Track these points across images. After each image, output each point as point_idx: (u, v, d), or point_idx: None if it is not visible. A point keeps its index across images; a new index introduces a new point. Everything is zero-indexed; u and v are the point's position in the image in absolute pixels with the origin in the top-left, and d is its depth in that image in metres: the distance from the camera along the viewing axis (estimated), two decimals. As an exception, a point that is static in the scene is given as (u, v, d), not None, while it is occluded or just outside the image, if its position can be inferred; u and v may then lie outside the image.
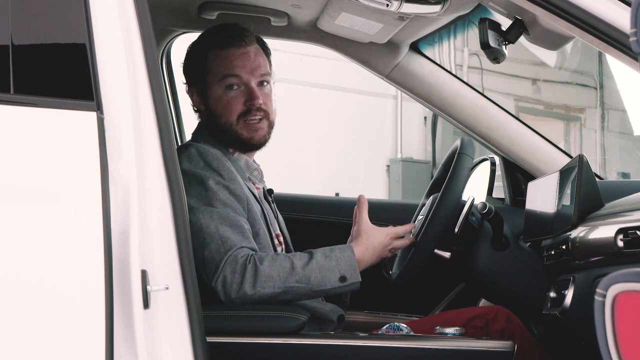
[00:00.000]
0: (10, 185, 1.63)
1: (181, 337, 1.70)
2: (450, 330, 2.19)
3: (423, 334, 2.28)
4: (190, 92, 2.46)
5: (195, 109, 2.46)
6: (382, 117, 10.65)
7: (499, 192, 3.01)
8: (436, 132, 10.63)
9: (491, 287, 2.42)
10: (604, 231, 1.95)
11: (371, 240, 2.29)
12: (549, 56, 10.97)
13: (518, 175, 2.93)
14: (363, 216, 2.35)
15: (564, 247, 2.14)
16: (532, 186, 2.50)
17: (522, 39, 2.31)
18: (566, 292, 2.12)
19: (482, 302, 2.74)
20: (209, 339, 1.81)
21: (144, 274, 1.64)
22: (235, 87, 2.38)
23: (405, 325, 2.30)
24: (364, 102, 10.28)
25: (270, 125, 2.42)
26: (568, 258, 2.12)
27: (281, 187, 3.02)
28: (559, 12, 1.84)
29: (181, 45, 2.74)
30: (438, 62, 2.94)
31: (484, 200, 2.66)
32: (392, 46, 2.83)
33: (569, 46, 10.15)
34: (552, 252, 2.23)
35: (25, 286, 1.60)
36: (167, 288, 1.67)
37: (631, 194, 2.13)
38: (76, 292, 1.62)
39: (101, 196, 1.64)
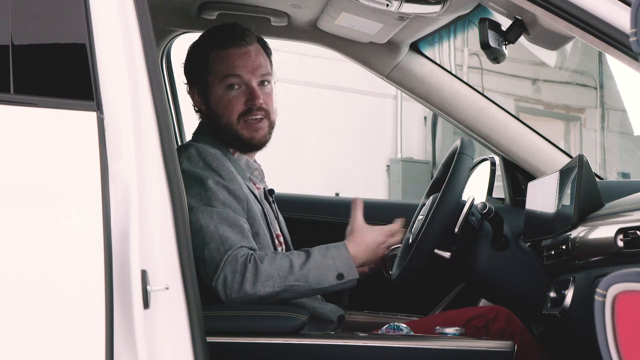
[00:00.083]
0: (10, 185, 1.63)
1: (181, 337, 1.70)
2: (450, 330, 2.19)
3: (423, 334, 2.28)
4: (191, 92, 2.46)
5: (196, 109, 2.46)
6: (382, 117, 10.65)
7: (499, 192, 3.01)
8: (436, 132, 10.63)
9: (491, 287, 2.42)
10: (604, 231, 1.95)
11: (364, 238, 2.31)
12: (549, 56, 10.97)
13: (518, 175, 2.93)
14: (357, 216, 2.37)
15: (564, 247, 2.14)
16: (532, 186, 2.50)
17: (522, 39, 2.31)
18: (566, 292, 2.12)
19: (482, 302, 2.74)
20: (209, 339, 1.81)
21: (144, 274, 1.64)
22: (236, 86, 2.38)
23: (405, 325, 2.30)
24: (364, 102, 10.28)
25: (271, 125, 2.42)
26: (568, 258, 2.12)
27: (281, 187, 3.02)
28: (559, 12, 1.84)
29: (181, 45, 2.74)
30: (438, 62, 2.93)
31: (484, 200, 2.66)
32: (392, 46, 2.83)
33: (569, 46, 10.15)
34: (552, 252, 2.23)
35: (25, 286, 1.60)
36: (167, 288, 1.67)
37: (631, 194, 2.13)
38: (76, 292, 1.62)
39: (101, 196, 1.64)
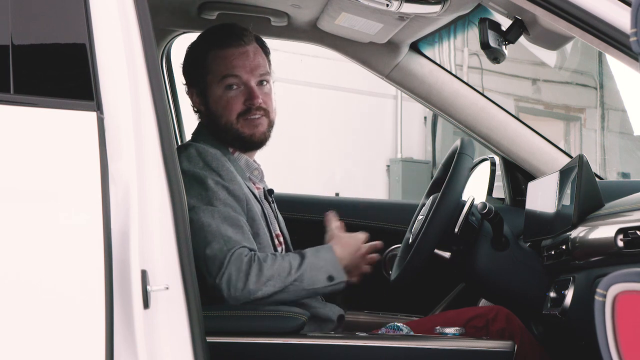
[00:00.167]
0: (10, 185, 1.63)
1: (181, 337, 1.70)
2: (450, 330, 2.19)
3: (423, 334, 2.28)
4: (190, 92, 2.46)
5: (195, 109, 2.46)
6: (382, 117, 10.65)
7: (499, 192, 3.01)
8: (436, 132, 10.63)
9: (491, 287, 2.42)
10: (604, 231, 1.95)
11: (345, 241, 2.33)
12: (549, 56, 10.97)
13: (518, 175, 2.93)
14: (333, 225, 2.41)
15: (564, 247, 2.14)
16: (532, 186, 2.50)
17: (522, 39, 2.31)
18: (566, 292, 2.12)
19: (482, 302, 2.74)
20: (209, 339, 1.81)
21: (144, 274, 1.64)
22: (234, 87, 2.38)
23: (405, 325, 2.30)
24: (364, 102, 10.28)
25: (270, 124, 2.42)
26: (568, 258, 2.12)
27: (281, 187, 3.02)
28: (559, 12, 1.84)
29: (181, 45, 2.74)
30: (438, 62, 2.93)
31: (484, 200, 2.66)
32: (392, 46, 2.82)
33: (569, 46, 10.15)
34: (552, 252, 2.23)
35: (25, 286, 1.60)
36: (167, 288, 1.67)
37: (631, 194, 2.13)
38: (76, 292, 1.62)
39: (101, 196, 1.64)
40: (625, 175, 11.51)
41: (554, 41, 2.28)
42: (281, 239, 2.45)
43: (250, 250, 2.20)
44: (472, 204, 2.34)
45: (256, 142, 2.41)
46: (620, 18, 1.77)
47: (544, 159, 2.84)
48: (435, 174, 2.63)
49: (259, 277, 2.15)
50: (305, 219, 2.97)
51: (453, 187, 2.30)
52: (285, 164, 9.03)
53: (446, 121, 3.03)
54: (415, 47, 2.86)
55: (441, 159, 3.32)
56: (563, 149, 2.89)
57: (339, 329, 2.40)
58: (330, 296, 2.37)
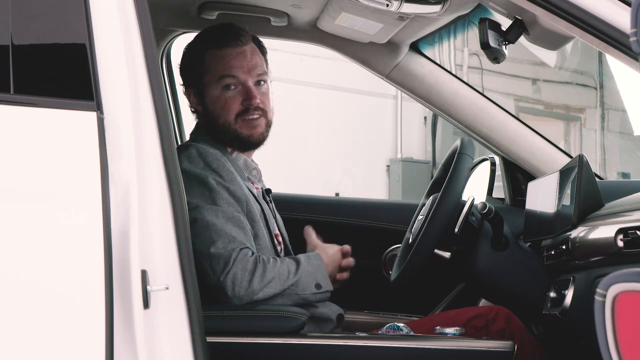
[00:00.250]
0: (10, 185, 1.63)
1: (181, 337, 1.70)
2: (450, 330, 2.19)
3: (423, 334, 2.28)
4: (187, 93, 2.47)
5: (193, 110, 2.47)
6: (382, 117, 10.64)
7: (499, 192, 3.01)
8: (436, 132, 10.63)
9: (491, 287, 2.42)
10: (604, 231, 1.95)
11: (326, 251, 2.37)
12: (549, 56, 10.96)
13: (518, 175, 2.93)
14: (312, 237, 2.45)
15: (564, 247, 2.14)
16: (532, 186, 2.50)
17: (522, 39, 2.31)
18: (566, 292, 2.12)
19: (482, 302, 2.74)
20: (209, 339, 1.81)
21: (144, 274, 1.64)
22: (232, 87, 2.38)
23: (405, 325, 2.30)
24: (364, 102, 10.28)
25: (268, 124, 2.43)
26: (568, 258, 2.12)
27: (281, 187, 3.02)
28: (559, 12, 1.84)
29: (181, 45, 2.74)
30: (438, 62, 2.93)
31: (484, 200, 2.66)
32: (392, 46, 2.82)
33: (569, 46, 10.15)
34: (552, 252, 2.23)
35: (25, 286, 1.60)
36: (167, 288, 1.68)
37: (631, 194, 2.12)
38: (76, 292, 1.62)
39: (101, 196, 1.64)
40: (625, 175, 11.51)
41: (554, 41, 2.28)
42: (280, 238, 2.46)
43: (252, 250, 2.21)
44: (472, 204, 2.34)
45: (254, 142, 2.41)
46: (620, 18, 1.77)
47: (544, 159, 2.83)
48: (435, 174, 2.63)
49: (262, 277, 2.17)
50: (305, 219, 2.97)
51: (453, 187, 2.30)
52: (285, 164, 9.03)
53: (446, 121, 3.03)
54: (415, 47, 2.86)
55: (441, 159, 3.33)
56: (563, 149, 2.89)
57: (338, 329, 2.41)
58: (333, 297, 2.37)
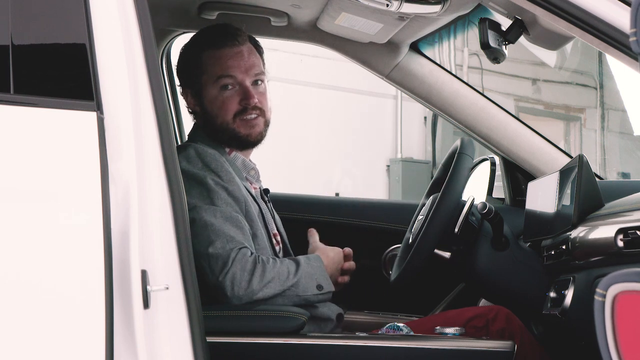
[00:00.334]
0: (10, 185, 1.63)
1: (181, 337, 1.70)
2: (450, 330, 2.19)
3: (423, 334, 2.28)
4: (184, 93, 2.47)
5: (190, 110, 2.47)
6: (382, 117, 10.64)
7: (499, 192, 3.01)
8: (436, 132, 10.63)
9: (491, 287, 2.42)
10: (604, 231, 1.95)
11: (328, 252, 2.36)
12: (549, 56, 10.96)
13: (518, 175, 2.93)
14: (315, 238, 2.45)
15: (564, 247, 2.14)
16: (532, 186, 2.50)
17: (522, 39, 2.31)
18: (566, 292, 2.12)
19: (482, 302, 2.74)
20: (209, 339, 1.81)
21: (144, 274, 1.64)
22: (230, 87, 2.38)
23: (405, 325, 2.30)
24: (364, 102, 10.28)
25: (266, 123, 2.43)
26: (568, 258, 2.12)
27: (281, 187, 3.02)
28: (559, 12, 1.84)
29: (181, 45, 2.74)
30: (438, 62, 2.93)
31: (484, 200, 2.66)
32: (392, 46, 2.82)
33: (569, 46, 10.15)
34: (552, 252, 2.23)
35: (25, 286, 1.60)
36: (167, 288, 1.67)
37: (631, 194, 2.12)
38: (76, 292, 1.62)
39: (101, 196, 1.64)
40: (625, 175, 11.51)
41: (554, 41, 2.28)
42: (278, 238, 2.46)
43: (251, 250, 2.21)
44: (472, 204, 2.34)
45: (253, 142, 2.42)
46: (620, 18, 1.77)
47: (544, 159, 2.83)
48: (435, 174, 2.63)
49: (262, 277, 2.16)
50: (305, 219, 2.97)
51: (453, 187, 2.30)
52: (285, 164, 9.03)
53: (446, 121, 3.03)
54: (415, 47, 2.86)
55: (441, 159, 3.33)
56: (563, 149, 2.89)
57: (338, 329, 2.41)
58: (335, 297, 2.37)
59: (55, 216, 1.64)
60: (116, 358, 1.63)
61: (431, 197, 2.50)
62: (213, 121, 2.40)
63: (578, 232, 2.07)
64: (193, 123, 2.49)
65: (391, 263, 2.63)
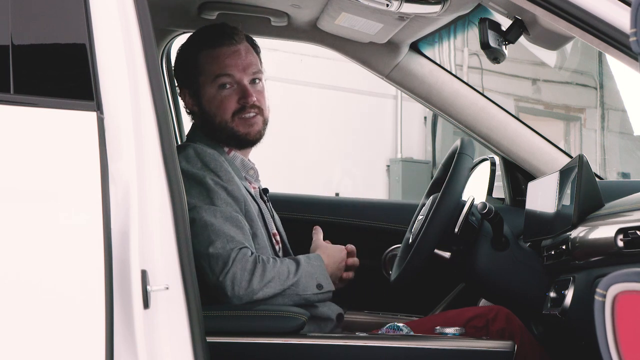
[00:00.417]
0: (10, 185, 1.63)
1: (181, 337, 1.70)
2: (450, 330, 2.19)
3: (423, 334, 2.28)
4: (182, 94, 2.47)
5: (188, 110, 2.48)
6: (382, 117, 10.65)
7: (499, 192, 3.01)
8: (436, 132, 10.63)
9: (491, 287, 2.42)
10: (604, 231, 1.95)
11: (329, 252, 2.36)
12: (549, 56, 10.96)
13: (518, 175, 2.93)
14: (318, 236, 2.45)
15: (564, 247, 2.14)
16: (532, 186, 2.50)
17: (522, 39, 2.31)
18: (566, 292, 2.12)
19: (482, 302, 2.74)
20: (209, 339, 1.81)
21: (144, 274, 1.64)
22: (228, 86, 2.39)
23: (405, 325, 2.30)
24: (364, 102, 10.28)
25: (265, 122, 2.43)
26: (568, 258, 2.12)
27: (281, 187, 3.02)
28: (559, 12, 1.84)
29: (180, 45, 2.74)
30: (438, 62, 2.93)
31: (484, 200, 2.66)
32: (392, 46, 2.82)
33: (569, 46, 10.15)
34: (552, 252, 2.23)
35: (25, 286, 1.60)
36: (167, 288, 1.67)
37: (631, 194, 2.12)
38: (76, 292, 1.62)
39: (101, 196, 1.64)
40: (625, 175, 11.51)
41: (554, 41, 2.28)
42: (278, 237, 2.46)
43: (251, 250, 2.21)
44: (472, 204, 2.34)
45: (251, 140, 2.42)
46: (620, 18, 1.77)
47: (544, 159, 2.83)
48: (435, 174, 2.63)
49: (262, 277, 2.17)
50: (304, 219, 2.98)
51: (453, 187, 2.30)
52: (285, 164, 9.03)
53: (446, 121, 3.03)
54: (415, 47, 2.86)
55: (441, 159, 3.33)
56: (563, 149, 2.89)
57: (338, 328, 2.41)
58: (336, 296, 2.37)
59: (55, 216, 1.64)
60: (116, 358, 1.63)
61: (431, 197, 2.50)
62: (212, 120, 2.40)
63: (578, 232, 2.07)
64: (191, 123, 2.49)
65: (391, 263, 2.62)
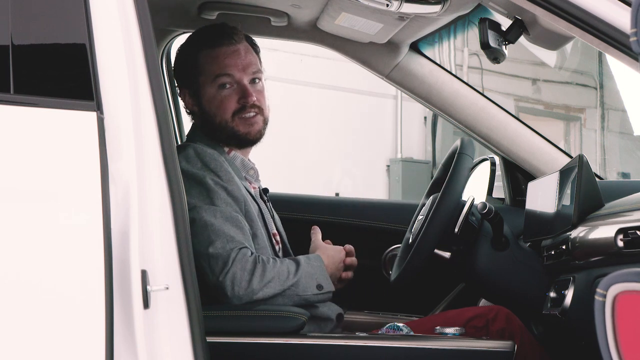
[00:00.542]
0: (10, 185, 1.63)
1: (181, 337, 1.70)
2: (450, 330, 2.19)
3: (423, 334, 2.28)
4: (182, 94, 2.47)
5: (188, 111, 2.48)
6: (382, 117, 10.65)
7: (499, 192, 3.01)
8: (436, 132, 10.63)
9: (491, 287, 2.42)
10: (604, 231, 1.95)
11: (328, 253, 2.36)
12: (549, 56, 10.97)
13: (518, 175, 2.93)
14: (317, 236, 2.45)
15: (564, 247, 2.14)
16: (532, 186, 2.50)
17: (522, 39, 2.31)
18: (566, 292, 2.12)
19: (482, 302, 2.74)
20: (209, 339, 1.81)
21: (144, 274, 1.64)
22: (228, 85, 2.39)
23: (405, 325, 2.30)
24: (364, 102, 10.28)
25: (265, 121, 2.44)
26: (568, 258, 2.12)
27: (281, 187, 3.02)
28: (559, 12, 1.84)
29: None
30: (438, 62, 2.93)
31: (484, 200, 2.66)
32: (392, 46, 2.82)
33: (569, 46, 10.15)
34: (552, 252, 2.23)
35: (25, 286, 1.60)
36: (167, 288, 1.67)
37: (631, 194, 2.13)
38: (76, 292, 1.62)
39: (101, 196, 1.64)
40: (625, 175, 11.51)
41: (554, 41, 2.28)
42: (278, 238, 2.46)
43: (251, 250, 2.21)
44: (472, 204, 2.34)
45: (252, 140, 2.42)
46: (620, 18, 1.77)
47: (544, 159, 2.84)
48: (435, 174, 2.63)
49: (262, 277, 2.17)
50: (304, 219, 2.97)
51: (453, 187, 2.30)
52: (285, 164, 9.03)
53: (446, 121, 3.03)
54: (415, 47, 2.86)
55: (441, 159, 3.33)
56: (563, 149, 2.89)
57: (338, 328, 2.41)
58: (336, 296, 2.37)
59: (55, 216, 1.64)
60: (116, 358, 1.63)
61: (431, 197, 2.50)
62: (212, 120, 2.40)
63: (578, 232, 2.07)
64: (191, 123, 2.49)
65: (391, 263, 2.62)
